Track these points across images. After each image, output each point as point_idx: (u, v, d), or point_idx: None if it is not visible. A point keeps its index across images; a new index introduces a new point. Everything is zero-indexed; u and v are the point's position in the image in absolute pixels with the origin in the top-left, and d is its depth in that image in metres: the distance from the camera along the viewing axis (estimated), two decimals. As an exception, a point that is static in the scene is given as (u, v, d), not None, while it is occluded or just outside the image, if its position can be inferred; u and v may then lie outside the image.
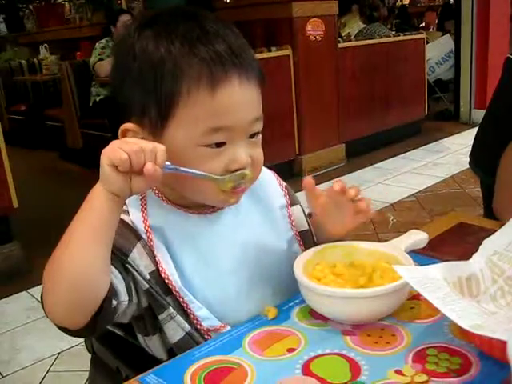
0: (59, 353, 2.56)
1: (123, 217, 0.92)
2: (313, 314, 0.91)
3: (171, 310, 0.91)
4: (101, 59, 5.32)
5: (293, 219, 1.06)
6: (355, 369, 0.77)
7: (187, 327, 0.92)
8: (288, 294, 0.99)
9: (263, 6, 5.13)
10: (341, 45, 5.23)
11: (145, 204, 0.95)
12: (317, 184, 0.97)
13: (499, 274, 0.91)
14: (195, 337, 0.92)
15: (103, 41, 5.50)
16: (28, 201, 3.98)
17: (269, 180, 1.08)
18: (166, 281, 0.91)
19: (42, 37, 8.23)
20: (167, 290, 0.91)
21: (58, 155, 6.27)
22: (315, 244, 1.03)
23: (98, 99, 5.50)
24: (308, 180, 0.97)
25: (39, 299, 0.85)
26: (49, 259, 0.82)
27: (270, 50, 4.66)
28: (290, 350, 0.82)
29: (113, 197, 0.79)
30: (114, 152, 0.76)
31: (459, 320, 0.74)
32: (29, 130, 6.81)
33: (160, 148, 0.79)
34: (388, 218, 3.86)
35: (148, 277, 0.90)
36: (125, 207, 0.93)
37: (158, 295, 0.90)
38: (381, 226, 3.70)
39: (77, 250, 0.80)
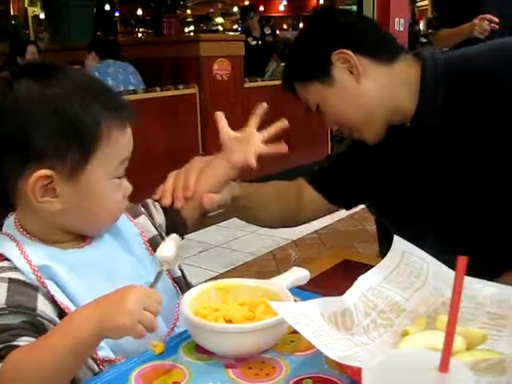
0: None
1: (11, 274, 0.93)
2: (198, 349, 0.94)
3: None
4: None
5: (148, 245, 1.11)
6: (235, 400, 0.81)
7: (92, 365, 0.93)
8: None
9: (171, 44, 5.21)
10: (247, 84, 5.36)
11: (21, 247, 0.97)
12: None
13: (372, 308, 0.97)
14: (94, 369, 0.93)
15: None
16: None
17: None
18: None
19: None
20: None
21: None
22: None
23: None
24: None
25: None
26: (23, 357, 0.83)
27: (176, 88, 4.72)
28: (175, 384, 0.85)
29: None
30: (150, 321, 0.84)
31: (328, 351, 0.79)
32: None
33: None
34: (290, 254, 3.95)
35: (58, 320, 0.92)
36: (7, 263, 0.95)
37: None
38: (283, 262, 3.78)
39: (57, 366, 0.83)
